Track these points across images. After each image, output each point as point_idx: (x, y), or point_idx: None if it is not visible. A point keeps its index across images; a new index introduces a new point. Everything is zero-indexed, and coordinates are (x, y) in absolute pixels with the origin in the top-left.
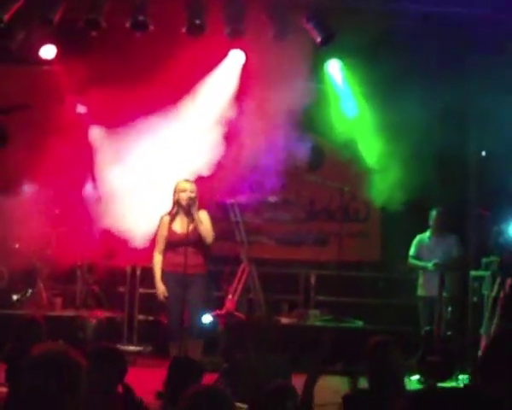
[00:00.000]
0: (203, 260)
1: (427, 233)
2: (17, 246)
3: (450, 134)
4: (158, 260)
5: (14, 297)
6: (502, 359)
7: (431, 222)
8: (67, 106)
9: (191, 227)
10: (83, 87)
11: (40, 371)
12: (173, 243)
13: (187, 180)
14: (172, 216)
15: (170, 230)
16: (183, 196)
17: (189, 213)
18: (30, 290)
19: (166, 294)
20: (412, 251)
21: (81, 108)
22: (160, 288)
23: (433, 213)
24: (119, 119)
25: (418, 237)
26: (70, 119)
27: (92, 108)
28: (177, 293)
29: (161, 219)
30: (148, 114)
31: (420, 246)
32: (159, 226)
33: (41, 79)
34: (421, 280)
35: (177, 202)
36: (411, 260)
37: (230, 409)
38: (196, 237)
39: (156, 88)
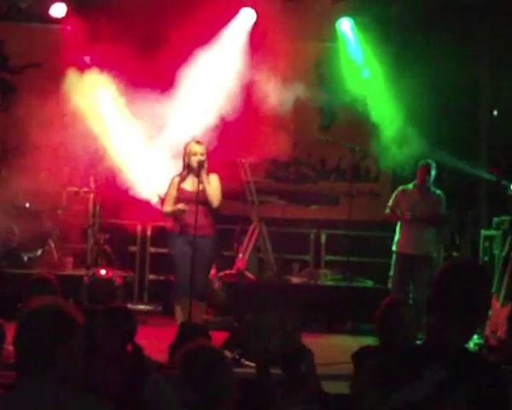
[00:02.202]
0: (211, 221)
1: (412, 187)
2: (28, 205)
3: (461, 94)
4: (167, 209)
5: (25, 257)
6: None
7: (417, 178)
8: (77, 64)
9: (200, 187)
10: (94, 45)
11: (35, 322)
12: (182, 201)
13: (198, 142)
14: (183, 177)
15: (179, 189)
16: (194, 159)
17: (198, 176)
18: (41, 250)
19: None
20: (390, 202)
21: (87, 59)
22: (179, 206)
23: (418, 167)
24: (130, 77)
25: (401, 188)
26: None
27: (103, 67)
28: (185, 252)
29: (172, 179)
30: (158, 72)
31: (402, 197)
32: (169, 186)
33: (51, 37)
34: (398, 236)
35: (187, 165)
36: (387, 210)
37: (227, 370)
38: (205, 198)
39: (167, 46)
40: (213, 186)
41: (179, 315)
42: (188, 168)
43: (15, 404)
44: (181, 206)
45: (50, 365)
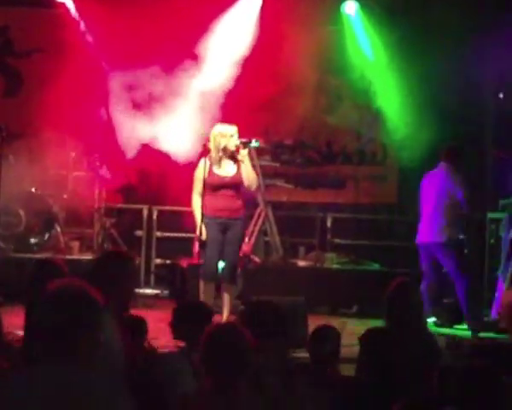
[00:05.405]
0: (242, 204)
1: None
2: (34, 190)
3: (467, 76)
4: (197, 202)
5: (32, 241)
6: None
7: None
8: (82, 49)
9: (234, 171)
10: (98, 30)
11: (53, 305)
12: (214, 187)
13: (228, 125)
14: (214, 160)
15: (211, 173)
16: (231, 142)
17: (233, 158)
18: (47, 234)
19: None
20: None
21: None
22: (202, 233)
23: None
24: (134, 59)
25: None
26: (85, 62)
27: (107, 50)
28: (216, 237)
29: (201, 161)
30: (162, 54)
31: None
32: (198, 168)
33: (55, 22)
34: None
35: (223, 148)
36: None
37: (246, 345)
38: (237, 181)
39: (171, 28)
40: (248, 167)
41: (202, 296)
42: (221, 151)
43: (38, 383)
44: (203, 236)
45: (75, 348)
